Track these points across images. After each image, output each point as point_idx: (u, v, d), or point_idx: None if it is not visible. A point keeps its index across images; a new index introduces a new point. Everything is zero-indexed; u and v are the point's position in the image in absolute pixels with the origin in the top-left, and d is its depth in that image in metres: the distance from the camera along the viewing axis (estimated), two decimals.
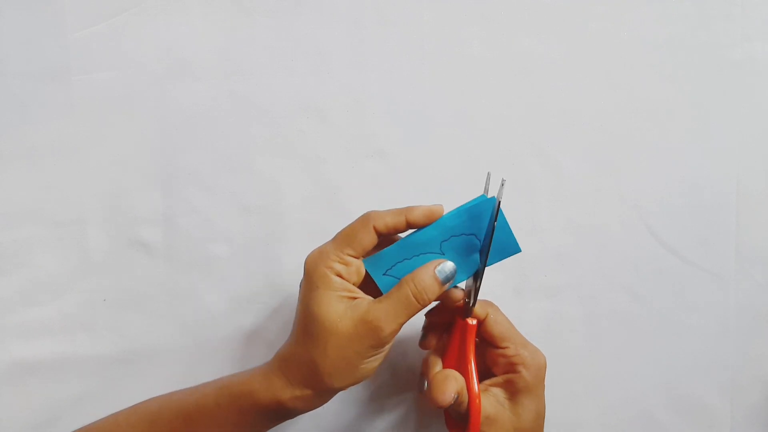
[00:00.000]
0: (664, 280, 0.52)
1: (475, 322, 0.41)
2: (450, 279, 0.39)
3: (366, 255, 0.39)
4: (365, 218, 0.38)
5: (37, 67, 0.47)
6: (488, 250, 0.39)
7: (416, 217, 0.38)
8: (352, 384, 0.38)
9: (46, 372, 0.48)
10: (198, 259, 0.49)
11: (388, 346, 0.38)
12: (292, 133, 0.49)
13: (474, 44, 0.50)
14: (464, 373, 0.40)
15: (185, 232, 0.49)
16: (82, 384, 0.48)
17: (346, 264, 0.38)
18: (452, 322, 0.43)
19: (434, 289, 0.38)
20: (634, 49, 0.51)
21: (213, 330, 0.49)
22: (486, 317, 0.42)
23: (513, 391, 0.41)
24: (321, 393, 0.38)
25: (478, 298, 0.41)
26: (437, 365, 0.42)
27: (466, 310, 0.41)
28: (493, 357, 0.42)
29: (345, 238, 0.38)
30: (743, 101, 0.52)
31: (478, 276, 0.40)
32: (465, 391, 0.40)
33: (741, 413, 0.52)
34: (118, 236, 0.48)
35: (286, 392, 0.37)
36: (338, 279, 0.38)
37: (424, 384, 0.41)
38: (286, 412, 0.38)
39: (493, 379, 0.42)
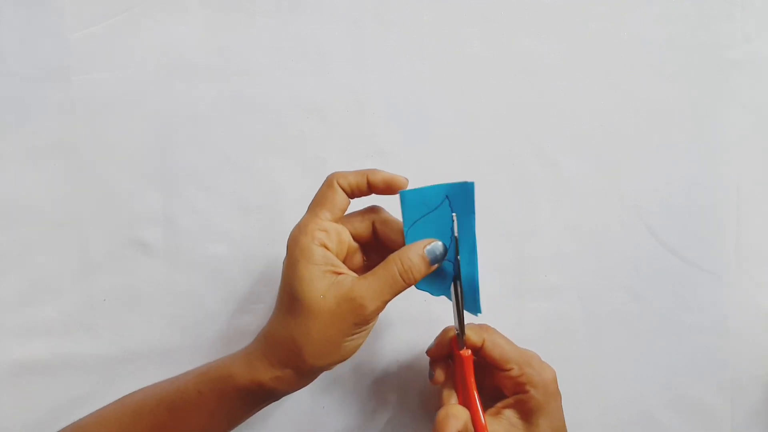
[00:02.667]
0: (664, 280, 0.52)
1: (469, 352, 0.41)
2: (438, 260, 0.38)
3: (340, 215, 0.39)
4: (329, 179, 0.39)
5: (37, 67, 0.47)
6: (460, 283, 0.39)
7: (377, 180, 0.38)
8: (335, 363, 0.38)
9: (46, 372, 0.48)
10: (198, 259, 0.49)
11: (371, 324, 0.38)
12: (292, 133, 0.49)
13: (474, 44, 0.50)
14: (469, 405, 0.40)
15: (185, 232, 0.49)
16: (82, 384, 0.48)
17: (325, 230, 0.38)
18: (452, 354, 0.42)
19: (421, 269, 0.37)
20: (634, 49, 0.51)
21: (213, 330, 0.49)
22: (483, 343, 0.41)
23: (525, 411, 0.41)
24: (303, 373, 0.38)
25: (475, 322, 0.41)
26: (451, 398, 0.42)
27: (460, 341, 0.41)
28: (500, 379, 0.42)
29: (316, 203, 0.38)
30: (743, 101, 0.52)
31: (459, 306, 0.40)
32: (470, 426, 0.39)
33: (741, 413, 0.52)
34: (118, 236, 0.48)
35: (266, 373, 0.37)
36: (320, 251, 0.37)
37: None
38: (267, 393, 0.38)
39: (505, 401, 0.42)
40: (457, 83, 0.50)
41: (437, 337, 0.44)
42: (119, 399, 0.42)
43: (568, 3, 0.51)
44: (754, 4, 0.51)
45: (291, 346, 0.36)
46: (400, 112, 0.50)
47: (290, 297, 0.37)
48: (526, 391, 0.40)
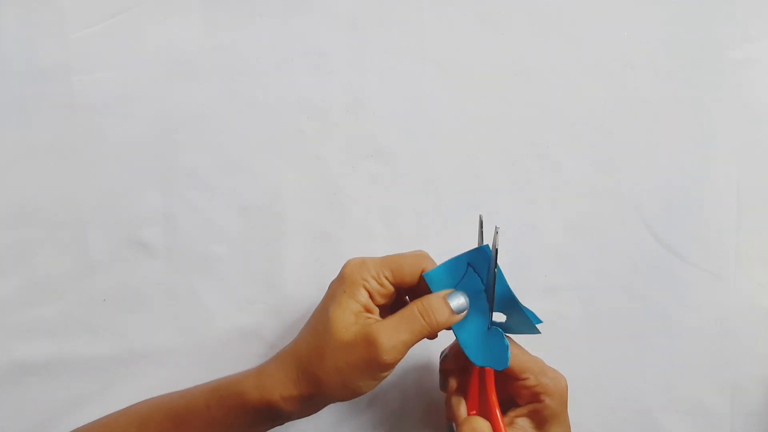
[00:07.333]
0: (664, 280, 0.51)
1: None
2: (462, 310, 0.38)
3: (399, 287, 0.40)
4: (421, 259, 0.39)
5: (37, 67, 0.47)
6: (492, 301, 0.39)
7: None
8: (344, 399, 0.38)
9: (46, 372, 0.48)
10: (198, 259, 0.49)
11: (385, 374, 0.37)
12: (292, 133, 0.49)
13: (474, 44, 0.50)
14: (489, 417, 0.40)
15: (185, 232, 0.49)
16: (82, 384, 0.48)
17: (380, 284, 0.38)
18: (469, 364, 0.42)
19: (443, 311, 0.37)
20: (634, 49, 0.51)
21: (213, 330, 0.49)
22: None
23: (539, 420, 0.40)
24: (311, 397, 0.37)
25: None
26: (461, 407, 0.41)
27: None
28: (515, 389, 0.41)
29: (393, 261, 0.39)
30: (743, 101, 0.52)
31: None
32: None
33: (741, 413, 0.52)
34: (118, 236, 0.48)
35: (275, 391, 0.37)
36: (365, 294, 0.38)
37: (452, 428, 0.41)
38: (275, 413, 0.38)
39: (518, 410, 0.41)
40: (457, 83, 0.50)
41: (452, 346, 0.43)
42: (125, 408, 0.42)
43: (567, 3, 0.51)
44: (754, 4, 0.51)
45: (305, 366, 0.37)
46: (400, 112, 0.50)
47: (321, 319, 0.38)
48: (541, 401, 0.40)
